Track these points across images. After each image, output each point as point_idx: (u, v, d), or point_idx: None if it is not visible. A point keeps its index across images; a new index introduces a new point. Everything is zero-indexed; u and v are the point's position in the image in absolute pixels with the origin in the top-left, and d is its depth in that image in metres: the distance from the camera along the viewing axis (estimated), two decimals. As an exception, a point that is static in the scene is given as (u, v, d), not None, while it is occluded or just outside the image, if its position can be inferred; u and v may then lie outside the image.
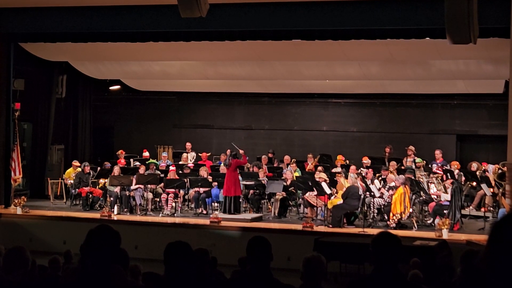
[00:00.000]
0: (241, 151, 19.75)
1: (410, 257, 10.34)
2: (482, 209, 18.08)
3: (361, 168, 20.07)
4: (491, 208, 18.28)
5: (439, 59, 19.00)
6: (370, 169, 19.41)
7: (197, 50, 19.27)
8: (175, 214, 18.93)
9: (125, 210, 19.03)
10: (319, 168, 19.64)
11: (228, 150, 20.08)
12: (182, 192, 19.48)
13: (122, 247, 5.06)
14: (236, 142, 24.28)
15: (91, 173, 20.75)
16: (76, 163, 21.39)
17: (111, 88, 26.50)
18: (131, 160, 22.78)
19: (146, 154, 23.17)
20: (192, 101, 26.48)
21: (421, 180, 18.32)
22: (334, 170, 20.06)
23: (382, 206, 17.45)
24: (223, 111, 26.36)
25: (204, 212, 19.02)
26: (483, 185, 17.76)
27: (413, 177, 18.12)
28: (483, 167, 19.55)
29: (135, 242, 16.12)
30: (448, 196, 16.96)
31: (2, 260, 6.32)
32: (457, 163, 20.02)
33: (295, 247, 14.87)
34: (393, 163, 20.05)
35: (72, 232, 16.57)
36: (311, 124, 25.33)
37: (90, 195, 19.99)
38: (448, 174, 17.96)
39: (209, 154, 23.04)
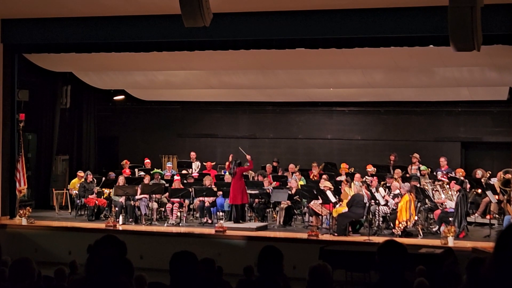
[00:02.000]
0: (248, 156, 19.68)
1: (415, 265, 10.32)
2: (488, 216, 18.04)
3: (366, 176, 20.07)
4: (497, 215, 18.25)
5: (443, 66, 19.00)
6: (375, 177, 19.40)
7: (201, 60, 19.30)
8: (180, 224, 18.91)
9: (130, 220, 19.03)
10: (324, 176, 19.65)
11: (231, 155, 20.02)
12: (187, 201, 19.47)
13: (127, 257, 5.07)
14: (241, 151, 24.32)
15: (95, 181, 20.79)
16: (81, 173, 21.41)
17: (115, 98, 26.53)
18: (136, 170, 22.80)
19: (147, 161, 23.21)
20: (196, 111, 26.51)
21: (426, 187, 18.31)
22: (338, 178, 20.06)
23: (387, 214, 17.43)
24: (227, 120, 26.38)
25: (209, 221, 19.02)
26: (488, 192, 17.73)
27: (418, 185, 18.11)
28: (488, 174, 19.52)
29: (140, 252, 16.12)
30: (453, 204, 16.94)
31: (8, 271, 6.32)
32: (462, 170, 20.01)
33: (300, 256, 14.84)
34: (397, 170, 20.05)
35: (77, 242, 16.54)
36: (316, 132, 25.34)
37: (96, 203, 19.99)
38: (454, 181, 17.95)
39: (213, 163, 23.03)
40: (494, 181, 18.82)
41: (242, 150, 20.26)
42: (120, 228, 18.23)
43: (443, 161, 20.72)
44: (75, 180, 21.47)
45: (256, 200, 19.29)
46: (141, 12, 17.41)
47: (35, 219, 19.07)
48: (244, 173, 19.28)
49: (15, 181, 19.70)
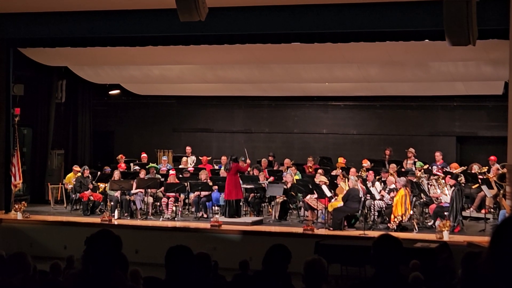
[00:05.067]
0: (247, 160, 19.68)
1: (411, 259, 10.34)
2: (483, 211, 18.07)
3: (362, 170, 20.07)
4: (492, 210, 18.27)
5: (438, 61, 19.00)
6: (371, 171, 19.39)
7: (196, 54, 19.28)
8: (176, 218, 18.92)
9: (126, 214, 19.02)
10: (319, 171, 19.65)
11: (226, 158, 19.92)
12: (182, 196, 19.47)
13: (122, 251, 5.07)
14: (236, 145, 24.34)
15: (90, 177, 20.76)
16: (76, 168, 21.39)
17: (110, 92, 26.50)
18: (131, 164, 22.77)
19: (144, 155, 23.17)
20: (192, 105, 26.48)
21: (422, 181, 18.32)
22: (334, 172, 20.06)
23: (383, 209, 17.45)
24: (222, 115, 26.37)
25: (205, 216, 19.01)
26: (484, 187, 17.75)
27: (414, 179, 18.12)
28: (485, 169, 19.50)
29: (135, 247, 16.11)
30: (448, 198, 16.97)
31: (3, 265, 6.32)
32: (457, 164, 20.01)
33: (296, 250, 14.76)
34: (393, 165, 20.04)
35: (73, 237, 16.55)
36: (311, 127, 25.34)
37: (91, 198, 19.97)
38: (449, 175, 17.98)
39: (209, 158, 23.02)
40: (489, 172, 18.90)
41: (246, 152, 20.16)
42: (116, 222, 18.22)
43: (438, 155, 20.72)
44: (70, 175, 21.45)
45: (252, 194, 19.30)
46: (137, 6, 17.37)
47: (30, 213, 19.06)
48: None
49: (10, 176, 19.67)
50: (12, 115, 19.98)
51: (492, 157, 19.69)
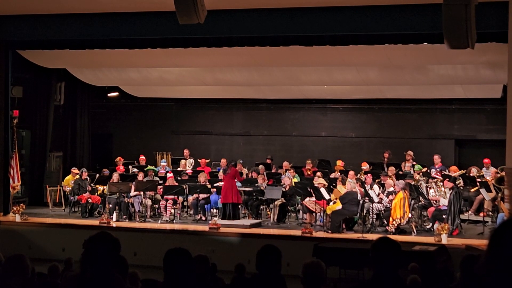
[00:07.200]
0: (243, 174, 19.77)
1: (409, 262, 10.34)
2: (481, 214, 18.08)
3: (360, 173, 20.07)
4: (490, 213, 18.27)
5: (437, 64, 19.02)
6: (369, 174, 19.40)
7: (195, 57, 19.28)
8: (174, 221, 18.92)
9: (124, 217, 19.01)
10: (318, 173, 19.64)
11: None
12: (181, 198, 19.46)
13: (121, 254, 5.06)
14: (235, 148, 24.32)
15: (88, 179, 20.75)
16: (75, 170, 21.36)
17: (109, 95, 26.49)
18: (130, 167, 22.76)
19: (142, 158, 23.15)
20: (191, 108, 26.47)
21: (420, 184, 18.32)
22: (332, 175, 20.06)
23: (381, 211, 17.44)
24: (221, 117, 26.35)
25: (203, 218, 19.01)
26: (482, 190, 17.75)
27: (412, 182, 18.12)
28: (482, 173, 19.51)
29: (134, 249, 16.10)
30: (446, 201, 16.96)
31: (1, 268, 6.31)
32: (456, 168, 20.01)
33: (294, 253, 14.81)
34: (391, 168, 20.05)
35: (71, 239, 16.53)
36: (310, 129, 25.32)
37: (89, 200, 19.97)
38: (447, 178, 17.98)
39: (208, 160, 23.01)
40: (486, 172, 18.91)
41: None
42: (114, 225, 18.23)
43: (437, 158, 20.71)
44: (69, 177, 21.43)
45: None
46: (136, 8, 17.38)
47: (28, 215, 19.07)
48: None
49: (8, 178, 19.66)
50: (10, 117, 19.97)
51: (485, 160, 19.71)
